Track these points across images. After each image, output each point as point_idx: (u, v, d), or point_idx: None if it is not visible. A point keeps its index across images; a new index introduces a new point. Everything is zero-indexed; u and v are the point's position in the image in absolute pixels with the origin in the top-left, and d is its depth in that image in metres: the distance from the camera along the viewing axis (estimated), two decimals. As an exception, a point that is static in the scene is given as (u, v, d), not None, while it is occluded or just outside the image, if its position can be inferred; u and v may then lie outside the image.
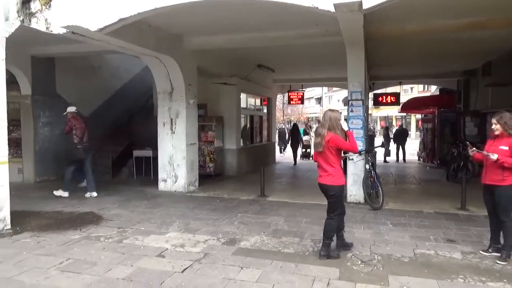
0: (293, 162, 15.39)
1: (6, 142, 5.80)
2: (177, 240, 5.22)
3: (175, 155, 8.91)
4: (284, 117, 41.61)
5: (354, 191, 7.65)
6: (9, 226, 5.72)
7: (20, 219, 6.10)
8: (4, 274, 4.04)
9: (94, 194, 8.18)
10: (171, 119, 8.88)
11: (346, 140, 4.53)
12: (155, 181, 9.36)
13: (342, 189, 4.60)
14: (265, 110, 15.53)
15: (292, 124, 17.94)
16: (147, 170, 10.80)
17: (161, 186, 9.04)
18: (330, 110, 4.73)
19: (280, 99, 32.03)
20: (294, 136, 15.86)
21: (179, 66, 8.51)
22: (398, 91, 16.24)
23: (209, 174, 10.87)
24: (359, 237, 5.39)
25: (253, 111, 14.02)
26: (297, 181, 11.06)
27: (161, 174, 9.07)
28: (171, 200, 7.92)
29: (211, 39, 8.49)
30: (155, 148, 9.51)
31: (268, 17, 6.93)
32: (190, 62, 8.98)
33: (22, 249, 4.81)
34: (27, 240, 5.20)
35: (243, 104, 12.67)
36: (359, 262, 4.42)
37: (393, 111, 37.19)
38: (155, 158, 9.63)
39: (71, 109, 8.43)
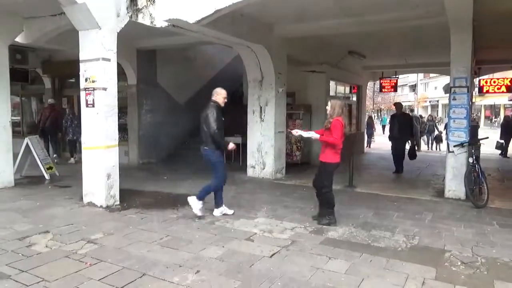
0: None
1: (117, 127, 6.50)
2: (265, 225, 5.36)
3: (263, 142, 9.10)
4: (374, 105, 39.76)
5: (454, 186, 7.03)
6: (118, 202, 6.43)
7: (127, 197, 6.79)
8: (115, 244, 4.56)
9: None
10: (260, 107, 9.06)
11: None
12: (243, 167, 9.68)
13: None
14: (354, 98, 15.01)
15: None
16: (236, 157, 11.21)
17: (250, 172, 9.33)
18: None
19: (369, 87, 30.66)
20: None
21: (270, 55, 8.60)
22: (509, 76, 14.46)
23: (296, 162, 10.90)
24: (459, 236, 4.97)
25: (342, 99, 13.64)
26: (387, 173, 10.52)
27: (250, 161, 9.35)
28: (259, 187, 8.13)
29: (301, 26, 8.40)
30: (244, 135, 9.81)
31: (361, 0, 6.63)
32: (280, 50, 9.01)
33: (129, 224, 5.36)
34: (132, 216, 5.78)
35: (331, 92, 12.41)
36: (459, 263, 4.08)
37: (501, 99, 33.20)
38: (244, 144, 9.94)
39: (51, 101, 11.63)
